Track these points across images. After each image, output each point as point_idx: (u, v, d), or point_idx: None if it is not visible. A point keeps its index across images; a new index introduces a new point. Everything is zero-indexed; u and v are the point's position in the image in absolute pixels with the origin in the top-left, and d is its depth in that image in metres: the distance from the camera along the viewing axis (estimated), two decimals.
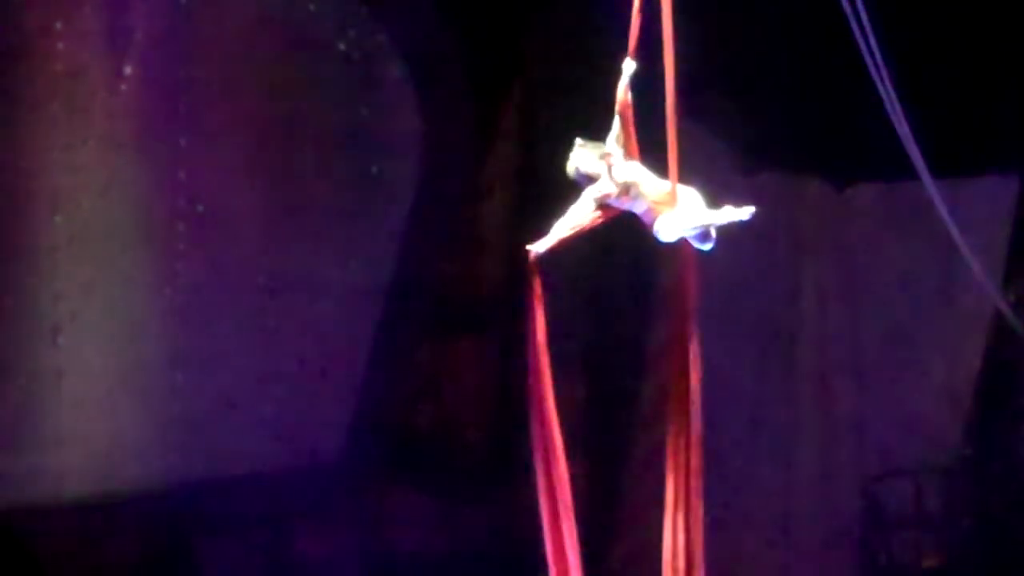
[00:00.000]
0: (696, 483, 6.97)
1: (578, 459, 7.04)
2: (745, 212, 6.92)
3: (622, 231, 7.27)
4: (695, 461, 6.93)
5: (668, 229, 6.93)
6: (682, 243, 7.00)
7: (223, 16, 12.45)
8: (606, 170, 7.03)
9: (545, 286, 7.21)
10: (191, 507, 12.36)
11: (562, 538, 7.06)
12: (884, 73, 8.04)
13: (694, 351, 6.95)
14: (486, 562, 12.79)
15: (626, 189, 7.00)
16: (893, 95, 8.12)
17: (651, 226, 7.00)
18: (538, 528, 7.22)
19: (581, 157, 7.10)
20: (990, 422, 13.22)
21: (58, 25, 11.92)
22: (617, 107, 7.03)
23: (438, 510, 13.07)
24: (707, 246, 7.00)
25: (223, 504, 12.44)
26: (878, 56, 7.98)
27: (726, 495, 13.33)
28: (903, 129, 8.26)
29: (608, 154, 7.05)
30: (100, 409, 12.14)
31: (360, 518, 12.93)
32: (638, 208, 7.01)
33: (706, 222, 6.90)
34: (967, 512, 13.29)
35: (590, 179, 7.09)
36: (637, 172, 7.04)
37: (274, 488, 12.63)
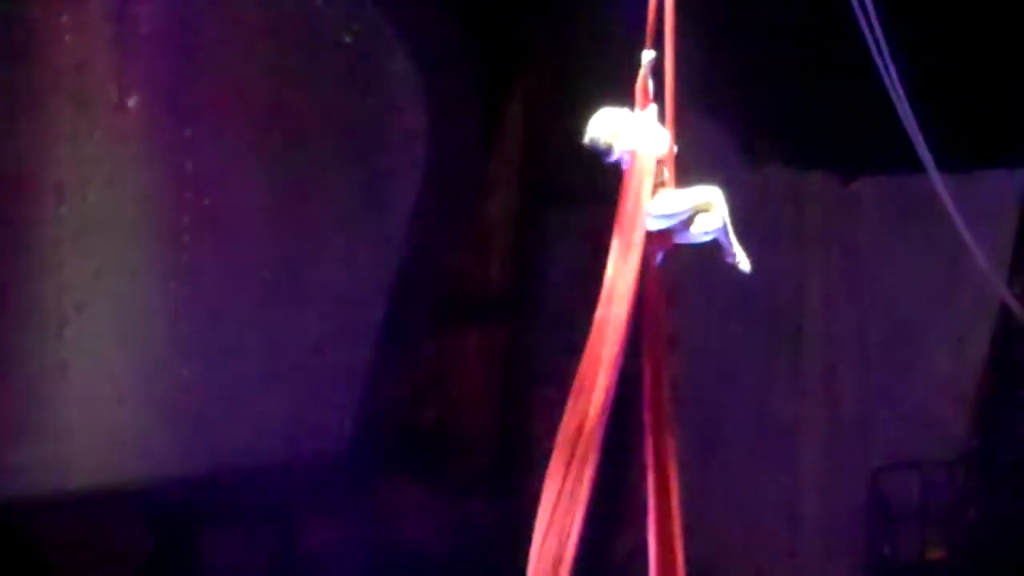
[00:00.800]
0: (675, 487, 6.92)
1: None
2: (743, 261, 6.98)
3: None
4: (673, 469, 6.89)
5: (663, 208, 6.88)
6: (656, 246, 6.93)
7: (229, 9, 12.46)
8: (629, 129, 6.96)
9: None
10: (196, 500, 12.38)
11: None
12: (891, 67, 8.02)
13: (668, 368, 6.89)
14: (491, 557, 12.79)
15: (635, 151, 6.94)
16: (899, 89, 8.10)
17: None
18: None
19: (608, 117, 7.00)
20: (995, 415, 13.22)
21: (64, 18, 11.92)
22: (637, 95, 7.03)
23: (443, 505, 13.08)
24: (705, 238, 6.98)
25: (228, 497, 12.46)
26: (885, 50, 7.96)
27: (733, 488, 13.34)
28: (909, 123, 8.23)
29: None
30: (105, 402, 12.15)
31: (365, 512, 12.95)
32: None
33: (686, 207, 6.86)
34: (972, 505, 13.29)
35: (608, 142, 6.98)
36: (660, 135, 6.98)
37: (279, 482, 12.65)
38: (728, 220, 6.91)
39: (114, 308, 12.19)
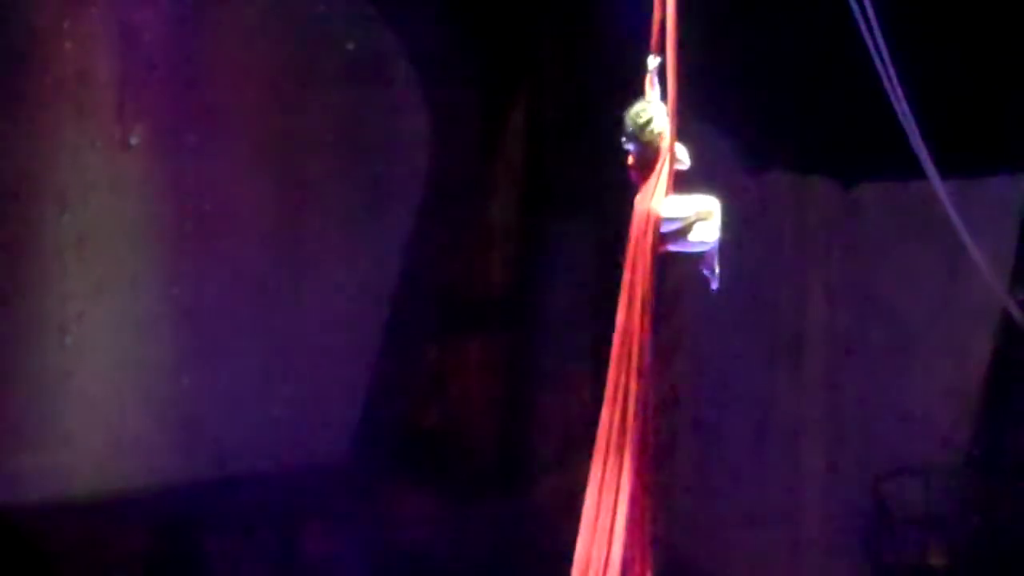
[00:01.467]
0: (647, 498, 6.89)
1: (590, 456, 6.99)
2: (715, 279, 7.05)
3: (626, 229, 7.25)
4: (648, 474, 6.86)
5: (667, 212, 6.90)
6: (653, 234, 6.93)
7: (231, 16, 12.46)
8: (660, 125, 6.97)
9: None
10: (197, 506, 12.37)
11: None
12: (892, 72, 8.04)
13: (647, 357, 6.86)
14: (491, 562, 12.79)
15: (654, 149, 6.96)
16: (901, 94, 8.12)
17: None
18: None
19: (663, 111, 7.00)
20: (997, 421, 13.22)
21: (66, 25, 11.93)
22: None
23: (444, 510, 13.08)
24: (701, 248, 7.01)
25: (230, 503, 12.45)
26: (886, 55, 7.98)
27: (734, 493, 13.34)
28: (911, 129, 8.25)
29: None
30: (107, 409, 12.15)
31: (366, 518, 12.94)
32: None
33: (688, 214, 6.89)
34: (974, 511, 13.28)
35: (657, 134, 6.98)
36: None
37: (281, 488, 12.65)
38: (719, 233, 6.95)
39: (116, 316, 12.19)
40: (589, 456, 6.99)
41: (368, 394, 12.99)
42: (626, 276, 6.84)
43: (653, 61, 7.04)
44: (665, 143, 6.92)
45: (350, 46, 12.84)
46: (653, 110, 6.98)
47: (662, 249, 6.90)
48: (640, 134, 6.95)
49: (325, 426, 12.88)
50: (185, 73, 12.33)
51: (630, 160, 7.00)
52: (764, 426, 13.52)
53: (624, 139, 6.98)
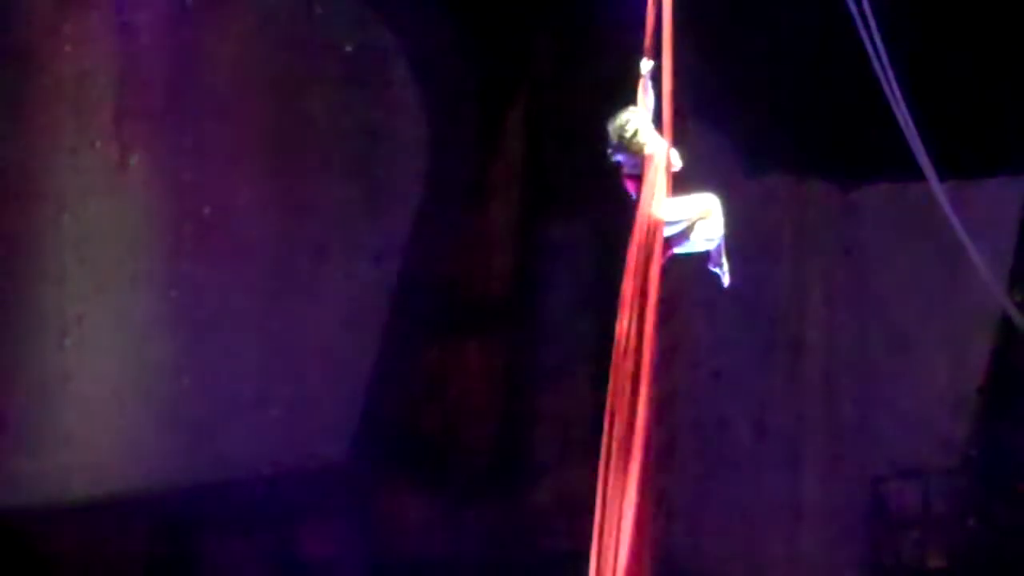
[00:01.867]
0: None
1: (589, 458, 6.99)
2: (726, 275, 7.05)
3: (625, 230, 7.26)
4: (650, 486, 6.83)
5: (668, 215, 6.90)
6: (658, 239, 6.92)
7: (230, 18, 12.47)
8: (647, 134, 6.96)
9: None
10: (197, 508, 12.38)
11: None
12: (891, 76, 8.05)
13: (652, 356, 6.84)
14: (490, 564, 12.79)
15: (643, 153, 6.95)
16: (900, 97, 8.13)
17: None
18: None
19: (643, 119, 6.98)
20: (996, 423, 13.21)
21: (66, 27, 11.94)
22: (639, 103, 7.05)
23: (443, 512, 13.08)
24: (708, 245, 7.01)
25: (228, 505, 12.46)
26: (885, 59, 7.98)
27: (733, 498, 13.34)
28: (910, 132, 8.26)
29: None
30: (106, 411, 12.16)
31: (365, 519, 12.94)
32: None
33: (690, 215, 6.89)
34: (972, 513, 13.28)
35: (641, 144, 6.96)
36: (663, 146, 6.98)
37: (279, 489, 12.65)
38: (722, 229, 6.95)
39: (115, 318, 12.20)
40: (588, 457, 6.98)
41: (367, 395, 12.99)
42: (627, 283, 6.82)
43: (646, 65, 7.03)
44: (654, 149, 6.89)
45: (349, 47, 12.85)
46: (637, 120, 6.95)
47: (668, 254, 6.89)
48: (626, 144, 6.92)
49: (324, 427, 12.89)
50: (184, 75, 12.33)
51: (623, 170, 6.98)
52: (764, 426, 13.52)
53: (610, 150, 6.96)
